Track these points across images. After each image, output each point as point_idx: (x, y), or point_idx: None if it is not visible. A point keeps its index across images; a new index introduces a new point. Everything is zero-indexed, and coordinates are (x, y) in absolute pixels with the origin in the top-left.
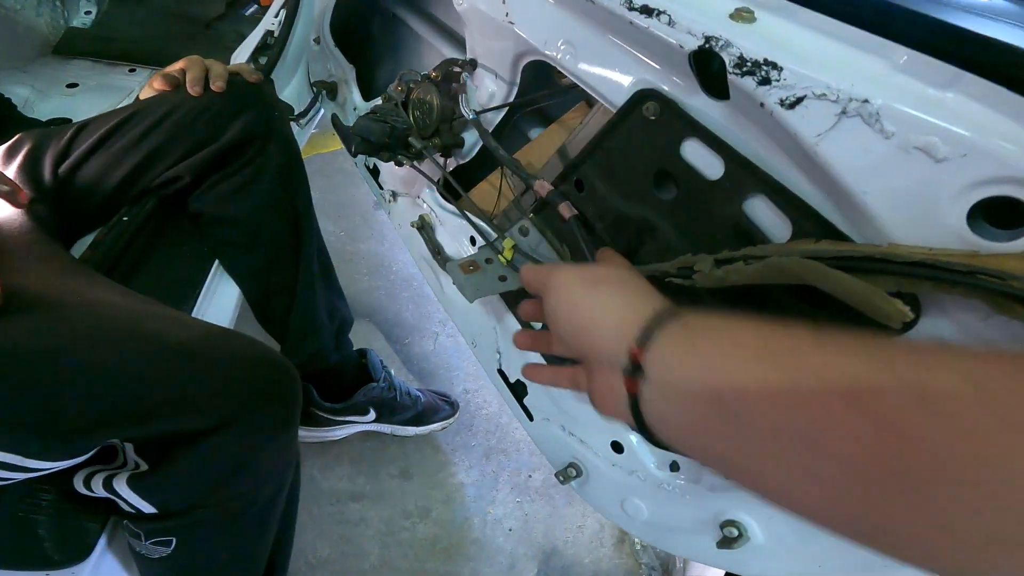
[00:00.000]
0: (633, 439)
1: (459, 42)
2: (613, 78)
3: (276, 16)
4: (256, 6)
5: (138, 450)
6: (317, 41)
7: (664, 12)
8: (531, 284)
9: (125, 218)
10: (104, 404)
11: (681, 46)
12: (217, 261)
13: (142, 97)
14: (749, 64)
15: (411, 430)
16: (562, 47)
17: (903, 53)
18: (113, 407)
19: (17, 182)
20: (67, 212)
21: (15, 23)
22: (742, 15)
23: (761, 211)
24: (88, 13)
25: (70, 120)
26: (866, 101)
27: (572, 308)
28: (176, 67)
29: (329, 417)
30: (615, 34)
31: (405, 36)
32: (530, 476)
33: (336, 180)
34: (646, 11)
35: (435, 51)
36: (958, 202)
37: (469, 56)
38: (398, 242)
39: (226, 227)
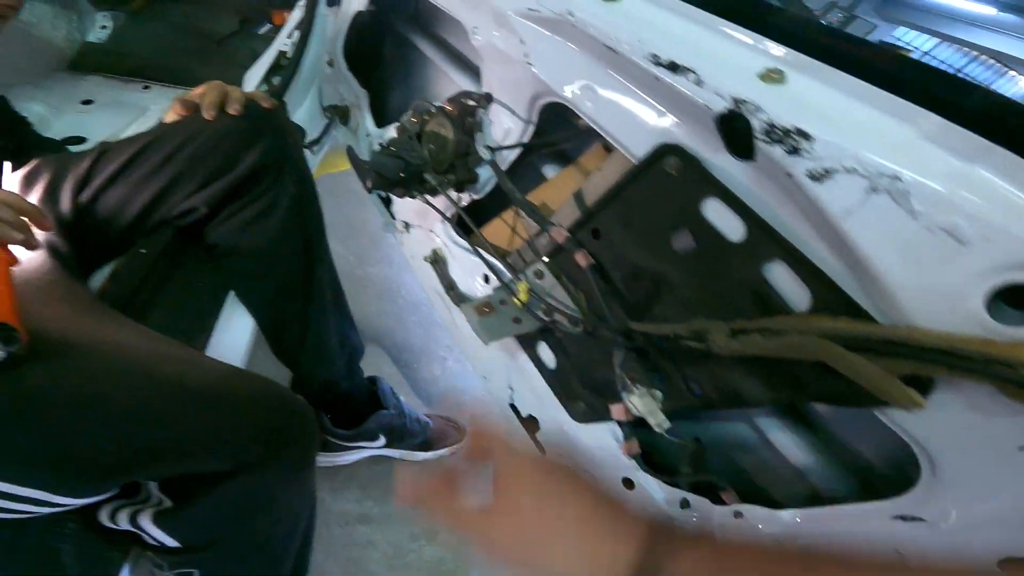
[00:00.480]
0: (643, 477)
1: (472, 70)
2: (634, 128)
3: (289, 37)
4: (269, 25)
5: (162, 487)
6: (331, 63)
7: (692, 70)
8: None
9: (143, 250)
10: (124, 448)
11: (708, 107)
12: (232, 291)
13: (166, 120)
14: (779, 132)
15: (420, 455)
16: (582, 92)
17: (931, 120)
18: (133, 451)
19: None
20: (86, 242)
21: (31, 37)
22: (772, 76)
23: (781, 277)
24: (104, 28)
25: (85, 139)
26: (896, 178)
27: None
28: (196, 92)
29: (340, 443)
30: (638, 85)
31: (417, 60)
32: None
33: (346, 200)
34: (673, 68)
35: (447, 78)
36: (979, 286)
37: (484, 90)
38: (406, 265)
39: (240, 258)
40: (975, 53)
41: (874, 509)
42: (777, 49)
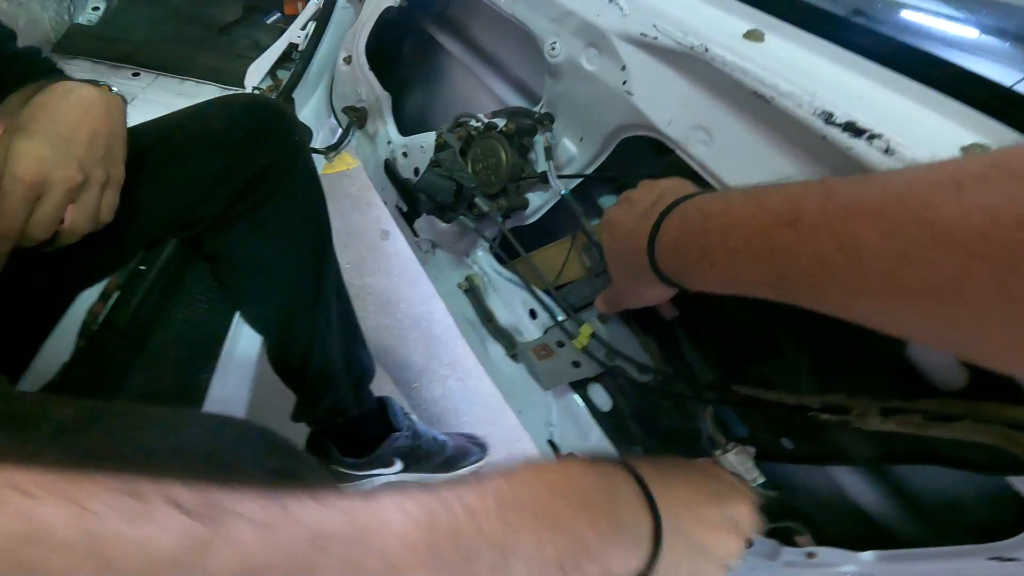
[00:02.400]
0: None
1: (511, 79)
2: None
3: (303, 29)
4: (279, 14)
5: None
6: (348, 60)
7: (880, 136)
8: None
9: (142, 267)
10: None
11: None
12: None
13: None
14: None
15: (440, 477)
16: (694, 133)
17: None
18: None
19: None
20: (72, 257)
21: (17, 16)
22: (979, 151)
23: (930, 354)
24: (96, 9)
25: None
26: None
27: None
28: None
29: (353, 473)
30: (784, 139)
31: (442, 62)
32: None
33: (341, 205)
34: (852, 130)
35: (479, 85)
36: None
37: (544, 108)
38: (406, 277)
39: (242, 271)
40: None
41: (971, 551)
42: (976, 118)
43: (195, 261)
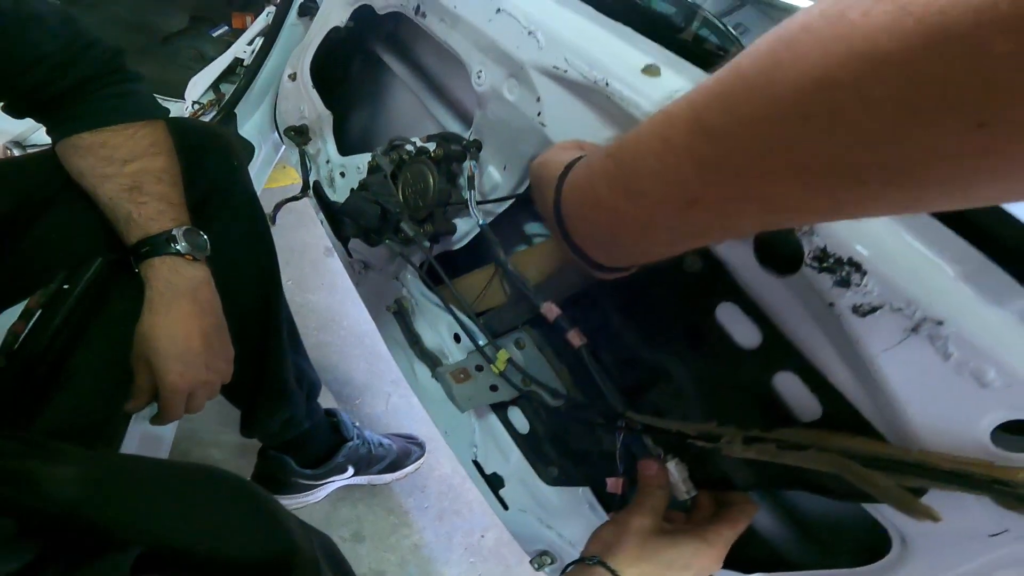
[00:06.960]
0: None
1: (451, 104)
2: None
3: (250, 44)
4: (227, 27)
5: None
6: (293, 77)
7: None
8: None
9: (66, 285)
10: None
11: None
12: None
13: None
14: (831, 260)
15: (388, 477)
16: None
17: (973, 258)
18: None
19: None
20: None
21: None
22: None
23: (791, 388)
24: None
25: None
26: (940, 323)
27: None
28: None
29: (308, 482)
30: None
31: (391, 86)
32: (483, 536)
33: (285, 221)
34: None
35: (422, 108)
36: (988, 420)
37: (473, 136)
38: (350, 294)
39: None
40: None
41: (845, 574)
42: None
43: (121, 280)
